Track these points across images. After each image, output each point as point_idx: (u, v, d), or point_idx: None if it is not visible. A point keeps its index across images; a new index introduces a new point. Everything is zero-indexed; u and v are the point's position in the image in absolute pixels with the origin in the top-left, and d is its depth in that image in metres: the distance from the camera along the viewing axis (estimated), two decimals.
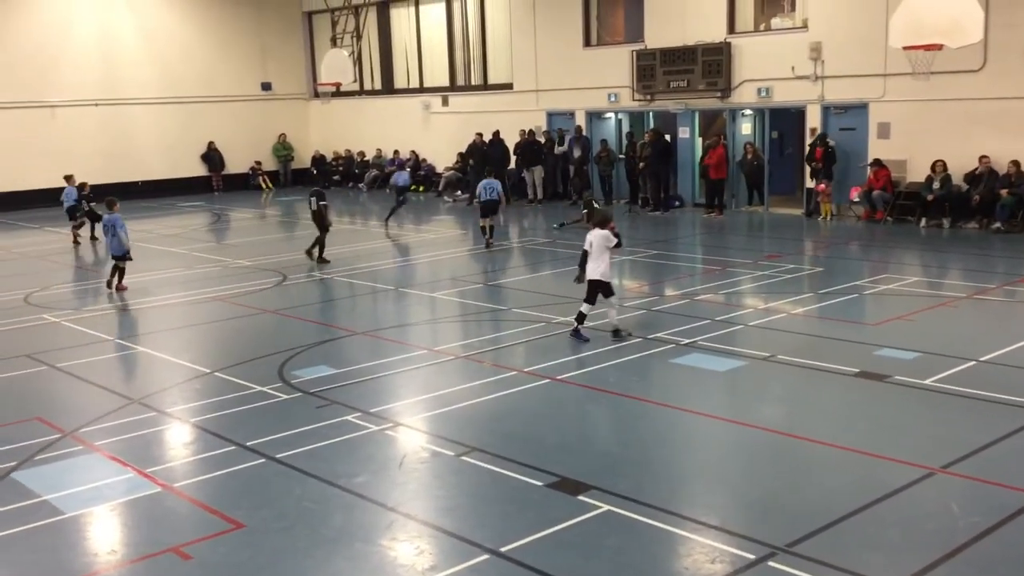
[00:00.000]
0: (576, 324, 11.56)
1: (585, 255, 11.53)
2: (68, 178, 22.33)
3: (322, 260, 17.85)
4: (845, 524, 6.59)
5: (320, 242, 17.93)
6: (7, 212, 27.26)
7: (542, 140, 26.46)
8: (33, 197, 28.27)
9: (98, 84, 30.05)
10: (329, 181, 32.92)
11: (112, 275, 15.79)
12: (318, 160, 33.85)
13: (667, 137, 23.98)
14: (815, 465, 7.81)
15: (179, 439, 8.99)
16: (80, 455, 8.45)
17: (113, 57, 30.33)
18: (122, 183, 29.07)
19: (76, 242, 21.71)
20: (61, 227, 24.28)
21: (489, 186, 18.97)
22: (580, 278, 11.74)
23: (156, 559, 6.46)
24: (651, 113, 25.03)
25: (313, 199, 17.91)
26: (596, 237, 11.47)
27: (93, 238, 21.56)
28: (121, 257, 15.72)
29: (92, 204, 21.68)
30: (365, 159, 32.59)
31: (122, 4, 30.47)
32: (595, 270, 11.45)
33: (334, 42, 28.83)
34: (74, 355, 11.84)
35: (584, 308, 11.51)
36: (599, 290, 11.46)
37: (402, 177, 23.49)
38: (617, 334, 11.55)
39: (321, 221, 17.78)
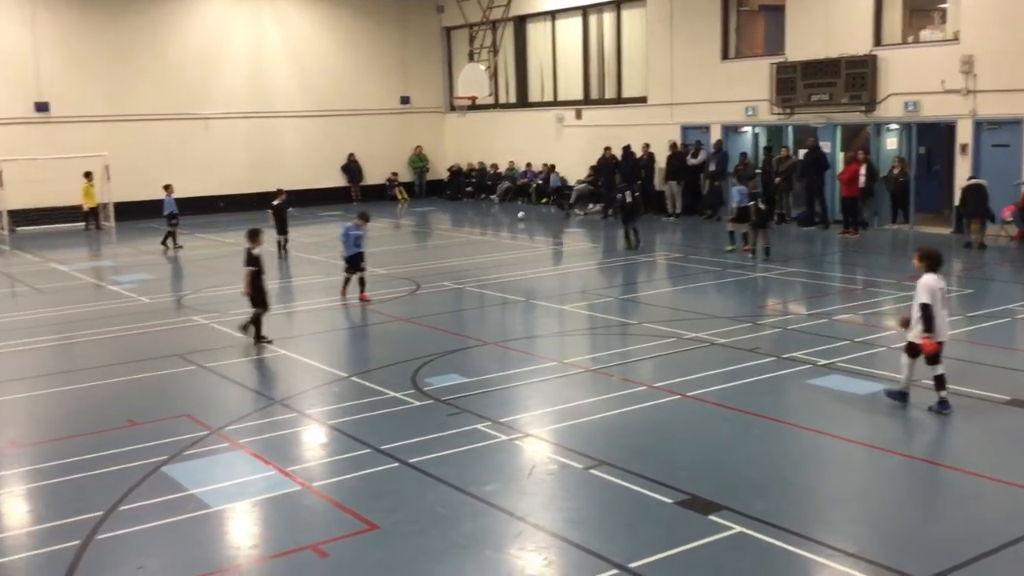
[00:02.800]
0: (940, 392, 9.20)
1: (928, 310, 8.97)
2: (167, 188, 23.49)
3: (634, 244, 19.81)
4: (993, 558, 6.27)
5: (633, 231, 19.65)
6: (161, 218, 28.73)
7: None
8: (186, 205, 29.62)
9: (248, 98, 31.51)
10: (462, 193, 33.58)
11: (360, 285, 15.72)
12: (454, 172, 34.49)
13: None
14: (961, 495, 7.46)
15: (317, 440, 9.30)
16: (225, 452, 8.85)
17: (262, 72, 31.74)
18: (266, 192, 30.23)
19: (165, 244, 22.94)
20: (211, 234, 25.55)
21: (741, 191, 19.50)
22: (924, 349, 9.08)
23: (295, 555, 6.70)
24: (790, 127, 24.46)
25: (627, 192, 19.04)
26: (935, 284, 9.04)
27: (283, 251, 21.21)
28: (348, 265, 15.72)
29: (289, 210, 21.69)
30: (498, 171, 33.00)
31: (272, 22, 31.88)
32: (947, 327, 9.20)
33: (471, 56, 29.34)
34: (221, 356, 12.42)
35: (940, 370, 9.18)
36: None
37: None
38: (945, 404, 9.21)
39: (632, 212, 19.03)
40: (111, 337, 13.88)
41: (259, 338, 12.83)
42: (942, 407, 9.16)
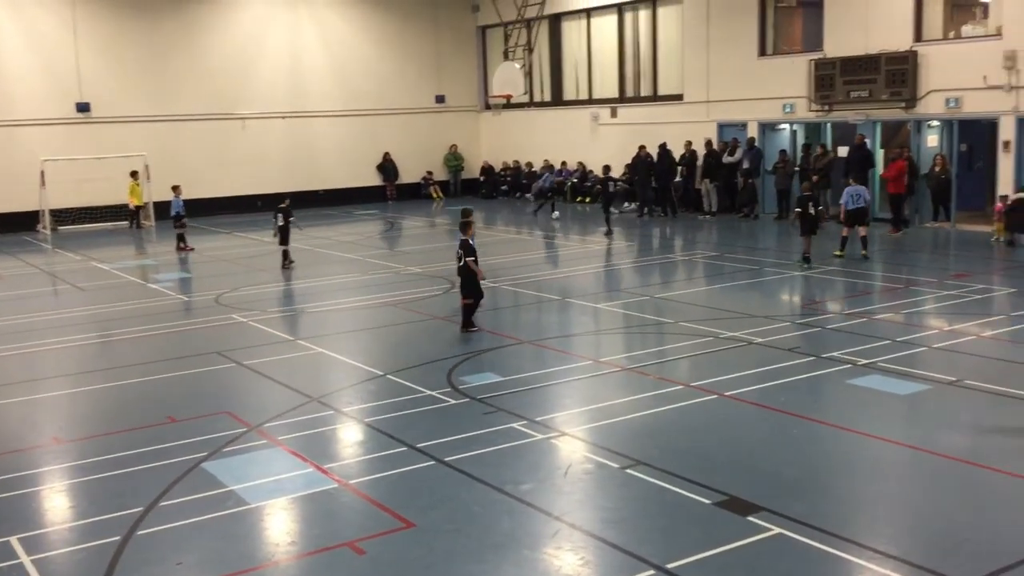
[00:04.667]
0: None
1: None
2: (175, 188, 23.27)
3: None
4: None
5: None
6: (200, 217, 29.04)
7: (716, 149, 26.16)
8: (224, 204, 30.16)
9: (284, 98, 31.75)
10: (497, 191, 33.60)
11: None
12: (486, 170, 34.51)
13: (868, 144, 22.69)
14: (1005, 498, 7.32)
15: (354, 438, 9.34)
16: (264, 449, 8.91)
17: (299, 73, 31.97)
18: (304, 192, 30.58)
19: (180, 249, 22.68)
20: (250, 232, 25.77)
21: (856, 193, 17.68)
22: None
23: (332, 552, 6.73)
24: (829, 124, 24.21)
25: (612, 183, 20.18)
26: None
27: (290, 262, 19.56)
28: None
29: (292, 220, 19.40)
30: (533, 170, 32.97)
31: (308, 22, 32.09)
32: None
33: (506, 55, 29.33)
34: (259, 353, 12.51)
35: None
36: None
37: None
38: None
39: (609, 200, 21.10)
40: (151, 335, 14.04)
41: (467, 325, 13.10)
42: None
